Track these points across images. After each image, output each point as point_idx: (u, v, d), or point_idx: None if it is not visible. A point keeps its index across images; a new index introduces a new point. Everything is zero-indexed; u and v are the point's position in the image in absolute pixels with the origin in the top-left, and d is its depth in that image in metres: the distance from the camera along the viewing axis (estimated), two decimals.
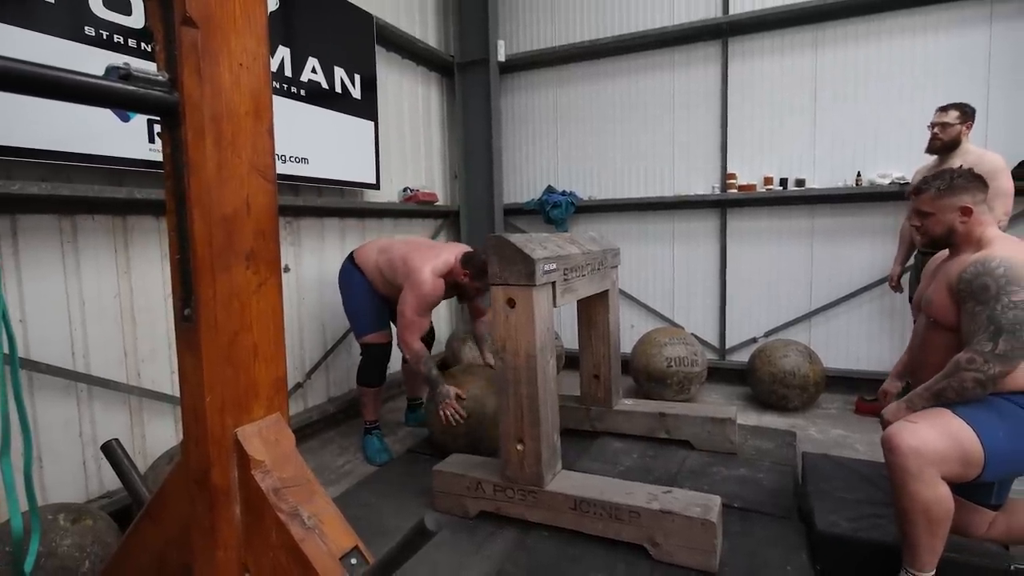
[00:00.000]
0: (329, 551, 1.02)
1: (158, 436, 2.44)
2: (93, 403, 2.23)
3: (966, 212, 1.70)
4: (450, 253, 2.71)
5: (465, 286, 2.70)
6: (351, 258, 2.90)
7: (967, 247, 1.73)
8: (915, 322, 1.99)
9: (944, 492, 1.52)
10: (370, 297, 2.83)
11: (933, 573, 1.57)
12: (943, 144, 2.77)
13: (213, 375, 1.05)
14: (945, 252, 1.87)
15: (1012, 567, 1.59)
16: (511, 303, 2.06)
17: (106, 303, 2.27)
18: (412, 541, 0.98)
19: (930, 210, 1.76)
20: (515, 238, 2.07)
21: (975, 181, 1.72)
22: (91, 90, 0.88)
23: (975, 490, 1.66)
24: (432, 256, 2.66)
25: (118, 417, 2.31)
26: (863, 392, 3.44)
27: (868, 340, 3.62)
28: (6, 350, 0.94)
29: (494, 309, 2.11)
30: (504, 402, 2.12)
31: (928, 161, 2.94)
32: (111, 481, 2.28)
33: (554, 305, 2.17)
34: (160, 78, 0.96)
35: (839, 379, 3.59)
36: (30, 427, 0.98)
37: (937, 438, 1.54)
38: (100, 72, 0.91)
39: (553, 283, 2.16)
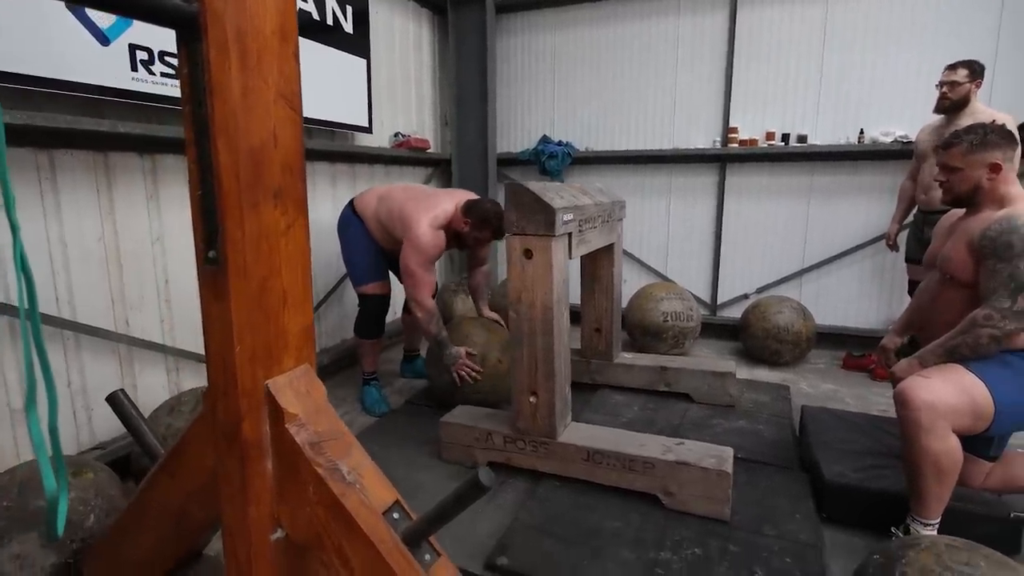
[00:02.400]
0: (371, 505, 0.99)
1: (150, 386, 2.34)
2: (81, 352, 2.10)
3: (995, 169, 1.69)
4: (450, 202, 2.60)
5: (465, 235, 2.59)
6: (351, 205, 2.77)
7: (990, 205, 1.73)
8: (917, 280, 2.01)
9: (954, 444, 1.57)
10: (368, 245, 2.72)
11: (938, 520, 1.64)
12: (951, 103, 2.75)
13: (242, 323, 0.98)
14: (959, 211, 1.87)
15: (1012, 514, 1.67)
16: (528, 254, 1.99)
17: (90, 246, 2.11)
18: (466, 495, 0.95)
19: (959, 165, 1.74)
20: (533, 186, 1.98)
21: (1008, 138, 1.70)
22: None
23: (977, 442, 1.73)
24: (431, 207, 2.55)
25: (108, 367, 2.19)
26: (851, 348, 3.54)
27: (858, 298, 3.70)
28: (27, 304, 0.84)
29: (509, 260, 2.04)
30: (518, 354, 2.09)
31: (934, 120, 2.92)
32: (104, 432, 2.19)
33: (570, 257, 2.12)
34: None
35: (828, 336, 3.68)
36: (53, 379, 0.88)
37: (951, 393, 1.58)
38: None
39: (570, 234, 2.09)
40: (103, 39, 1.96)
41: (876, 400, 2.90)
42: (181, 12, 0.86)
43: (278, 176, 1.03)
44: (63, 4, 1.82)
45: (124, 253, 2.22)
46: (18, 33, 1.75)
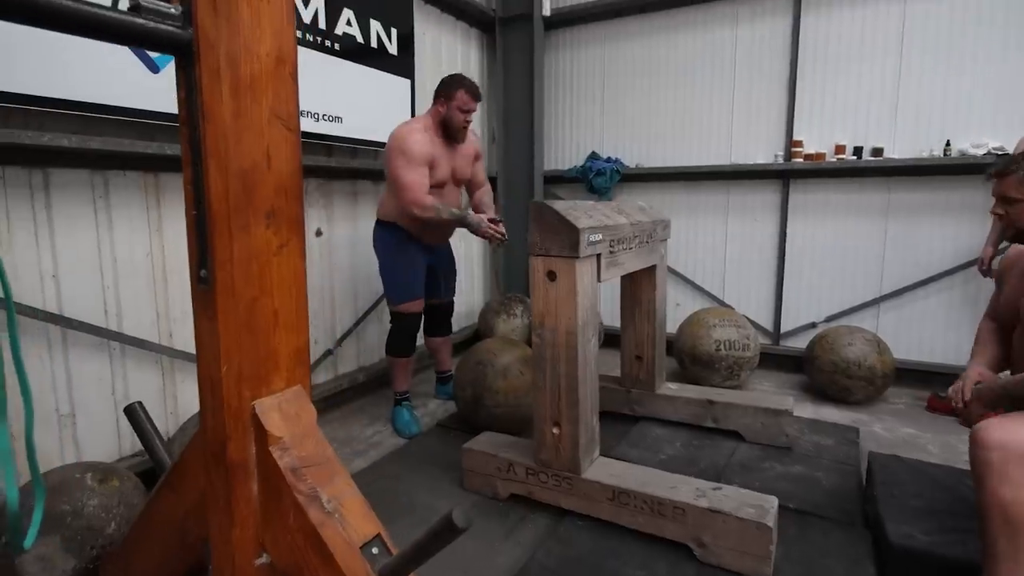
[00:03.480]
0: (349, 538, 0.95)
1: (190, 398, 2.42)
2: (126, 362, 2.20)
3: None
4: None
5: (449, 117, 2.55)
6: (377, 219, 2.76)
7: None
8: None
9: None
10: (403, 256, 2.67)
11: None
12: None
13: (230, 342, 0.98)
14: None
15: None
16: (551, 275, 1.89)
17: (138, 261, 2.23)
18: (440, 535, 0.87)
19: (1018, 196, 1.50)
20: (558, 205, 1.88)
21: None
22: (93, 20, 0.77)
23: None
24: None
25: (150, 377, 2.29)
26: (937, 387, 3.12)
27: (945, 330, 3.28)
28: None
29: (532, 281, 1.95)
30: (540, 381, 1.98)
31: None
32: None
33: (598, 280, 1.99)
34: (172, 11, 0.85)
35: (909, 372, 3.27)
36: (30, 388, 0.89)
37: None
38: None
39: (598, 255, 1.97)
40: (154, 68, 2.09)
41: (967, 450, 2.52)
42: (176, 38, 0.88)
43: (271, 197, 1.04)
44: None
45: (170, 269, 2.33)
46: (78, 65, 1.89)
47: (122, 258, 2.17)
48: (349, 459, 2.45)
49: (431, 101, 2.67)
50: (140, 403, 1.52)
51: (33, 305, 1.91)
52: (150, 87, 2.09)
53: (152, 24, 0.82)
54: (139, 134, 2.17)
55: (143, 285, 2.25)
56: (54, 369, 2.00)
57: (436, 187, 2.59)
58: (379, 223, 2.73)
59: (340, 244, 3.14)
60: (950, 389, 1.68)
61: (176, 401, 2.38)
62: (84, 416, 2.08)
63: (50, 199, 1.97)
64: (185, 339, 2.39)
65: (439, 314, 3.01)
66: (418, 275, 2.72)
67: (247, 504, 1.01)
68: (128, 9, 0.80)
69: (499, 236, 2.58)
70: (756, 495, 1.78)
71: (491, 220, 2.59)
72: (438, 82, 2.62)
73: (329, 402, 3.02)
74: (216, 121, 0.90)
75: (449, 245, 2.96)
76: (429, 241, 2.73)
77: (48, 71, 1.81)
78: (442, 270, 2.90)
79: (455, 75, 2.60)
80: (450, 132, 2.60)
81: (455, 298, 3.09)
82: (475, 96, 2.57)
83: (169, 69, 2.13)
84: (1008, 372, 1.73)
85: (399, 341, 2.75)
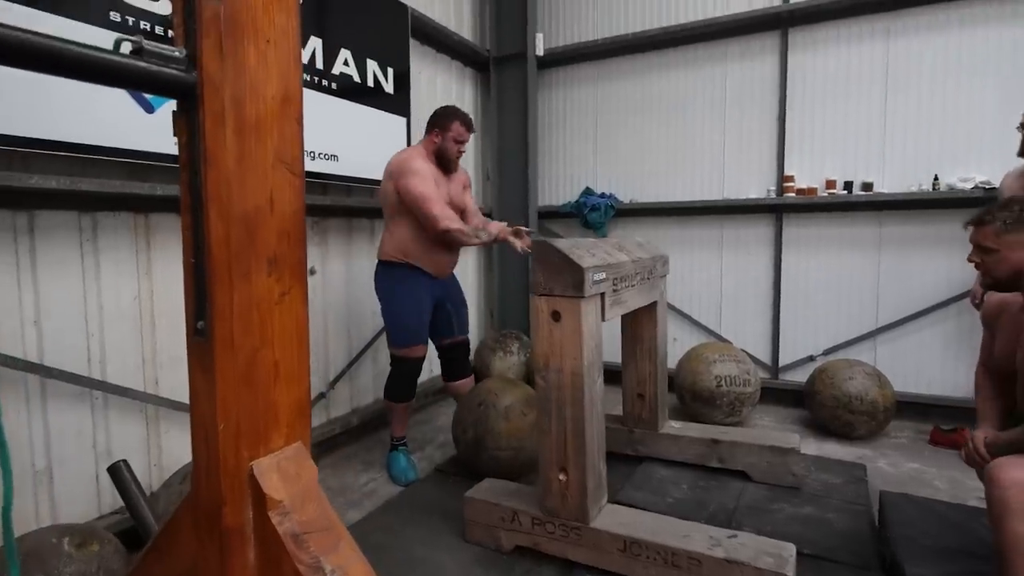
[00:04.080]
0: None
1: (175, 448, 2.30)
2: (108, 412, 2.10)
3: None
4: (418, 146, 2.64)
5: (445, 147, 2.55)
6: (379, 260, 2.68)
7: None
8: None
9: None
10: (409, 298, 2.56)
11: None
12: None
13: (228, 398, 0.92)
14: (1012, 296, 1.60)
15: None
16: (556, 315, 1.85)
17: (125, 306, 2.15)
18: None
19: (993, 246, 1.51)
20: (561, 243, 1.86)
21: None
22: (97, 65, 0.74)
23: None
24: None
25: (134, 428, 2.18)
26: (938, 420, 3.10)
27: (943, 362, 3.28)
28: None
29: (536, 322, 1.90)
30: (545, 424, 1.91)
31: (1020, 165, 2.61)
32: None
33: (602, 319, 1.95)
34: (177, 54, 0.83)
35: (909, 405, 3.25)
36: (9, 458, 0.80)
37: None
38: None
39: (602, 294, 1.94)
40: (149, 108, 2.06)
41: (975, 486, 2.48)
42: (180, 82, 0.86)
43: (273, 243, 1.00)
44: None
45: (159, 313, 2.25)
46: (83, 111, 1.86)
47: (108, 302, 2.09)
48: (343, 510, 2.34)
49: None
50: (125, 461, 1.44)
51: (12, 354, 1.82)
52: (144, 127, 2.05)
53: (156, 68, 0.80)
54: (131, 174, 2.12)
55: (129, 330, 2.16)
56: (31, 422, 1.89)
57: None
58: (380, 264, 2.63)
59: (334, 283, 3.09)
60: (962, 453, 1.66)
61: (160, 452, 2.26)
62: (62, 471, 1.96)
63: (34, 242, 1.90)
64: (172, 386, 2.29)
65: (458, 352, 2.81)
66: (423, 318, 2.61)
67: (243, 574, 0.95)
68: (131, 52, 0.78)
69: (524, 247, 2.41)
70: (772, 542, 1.71)
71: (515, 231, 2.45)
72: (429, 121, 2.62)
73: (321, 447, 2.90)
74: (218, 165, 0.87)
75: (455, 276, 2.82)
76: (436, 272, 2.62)
77: (37, 111, 1.76)
78: (452, 304, 2.75)
79: (449, 107, 2.61)
80: (444, 162, 2.59)
81: None
82: (469, 128, 2.58)
83: (164, 109, 2.10)
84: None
85: (399, 386, 2.63)
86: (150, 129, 2.07)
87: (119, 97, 1.97)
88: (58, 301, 1.95)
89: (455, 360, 2.81)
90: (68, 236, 1.98)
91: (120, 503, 2.12)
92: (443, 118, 2.55)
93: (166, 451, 2.27)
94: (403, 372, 2.61)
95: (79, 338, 2.01)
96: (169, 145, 2.13)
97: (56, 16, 1.77)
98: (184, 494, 1.90)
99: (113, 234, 2.11)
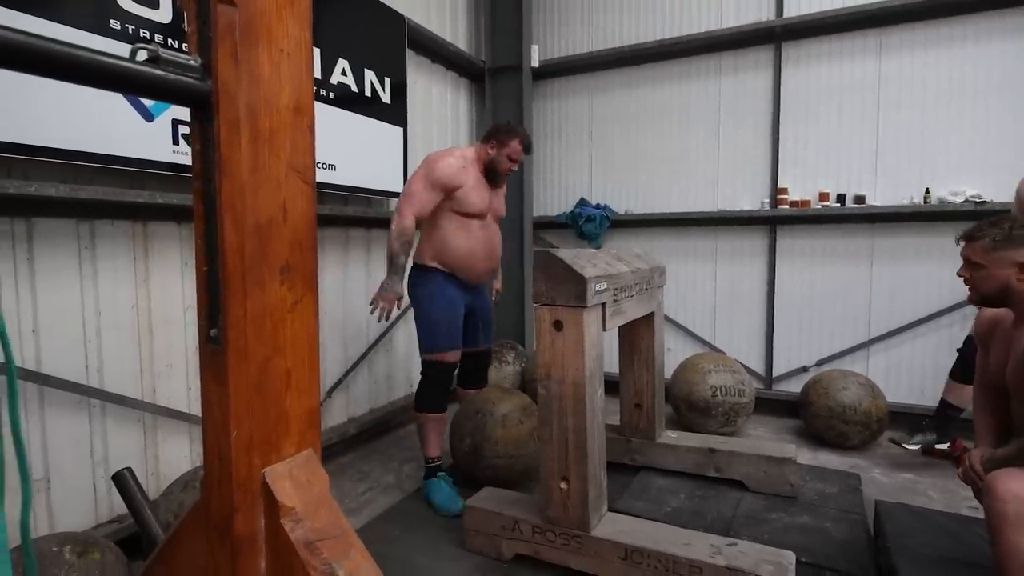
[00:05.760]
0: None
1: (172, 457, 2.29)
2: (106, 420, 2.08)
3: None
4: (467, 150, 2.59)
5: (498, 160, 2.50)
6: (414, 264, 2.60)
7: None
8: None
9: None
10: (443, 300, 2.49)
11: None
12: None
13: (240, 407, 0.92)
14: (1004, 312, 1.63)
15: None
16: (558, 326, 1.86)
17: (123, 314, 2.13)
18: None
19: (981, 262, 1.54)
20: (563, 254, 1.87)
21: None
22: (112, 72, 0.75)
23: None
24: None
25: (131, 436, 2.16)
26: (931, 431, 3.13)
27: (935, 372, 3.32)
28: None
29: (538, 332, 1.91)
30: (547, 434, 1.92)
31: None
32: (122, 505, 2.12)
33: (603, 329, 1.97)
34: (192, 63, 0.83)
35: (902, 415, 3.28)
36: (28, 467, 0.79)
37: None
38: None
39: (603, 304, 1.95)
40: (148, 116, 2.05)
41: (967, 495, 2.51)
42: (195, 90, 0.86)
43: (286, 252, 1.01)
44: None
45: (156, 321, 2.24)
46: (81, 118, 1.85)
47: (106, 310, 2.08)
48: None
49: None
50: (129, 469, 1.42)
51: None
52: (143, 134, 2.05)
53: (172, 76, 0.81)
54: (130, 182, 2.12)
55: (127, 338, 2.15)
56: (29, 430, 1.87)
57: (476, 216, 2.49)
58: (415, 267, 2.57)
59: (330, 291, 3.08)
60: (959, 472, 1.67)
61: (158, 461, 2.24)
62: (59, 480, 1.94)
63: (33, 250, 1.89)
64: (169, 394, 2.27)
65: (480, 362, 2.78)
66: (457, 323, 2.53)
67: None
68: (146, 60, 0.78)
69: (383, 316, 2.38)
70: (772, 550, 1.73)
71: (399, 299, 2.40)
72: (489, 132, 2.57)
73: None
74: (233, 174, 0.88)
75: (484, 287, 2.73)
76: (472, 279, 2.56)
77: (36, 118, 1.75)
78: (481, 315, 2.69)
79: (512, 124, 2.60)
80: (492, 175, 2.54)
81: None
82: (528, 149, 2.55)
83: (163, 118, 2.10)
84: None
85: (434, 395, 2.47)
86: (149, 137, 2.06)
87: (119, 105, 1.97)
88: (56, 309, 1.94)
89: (476, 369, 2.78)
90: (66, 244, 1.97)
91: (117, 512, 2.10)
92: (504, 134, 2.51)
93: (163, 460, 2.25)
94: (437, 379, 2.49)
95: (77, 346, 2.00)
96: (168, 153, 2.13)
97: (55, 24, 1.76)
98: (185, 503, 1.89)
99: (111, 242, 2.10)
